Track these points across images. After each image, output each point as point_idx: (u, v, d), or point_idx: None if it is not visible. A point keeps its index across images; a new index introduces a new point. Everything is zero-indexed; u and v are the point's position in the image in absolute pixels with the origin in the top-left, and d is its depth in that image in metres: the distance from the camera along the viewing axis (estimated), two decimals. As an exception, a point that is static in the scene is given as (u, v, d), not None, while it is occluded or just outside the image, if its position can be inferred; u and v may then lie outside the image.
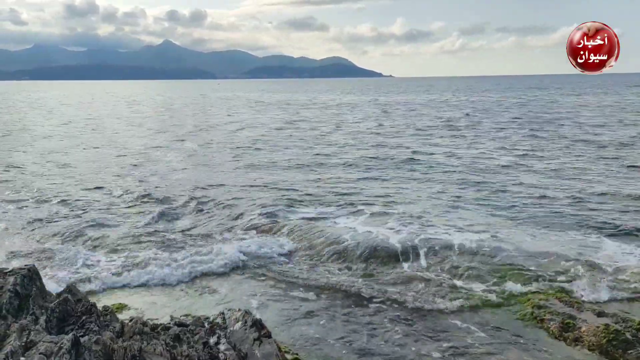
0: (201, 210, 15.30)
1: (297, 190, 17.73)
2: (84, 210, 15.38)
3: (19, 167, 22.87)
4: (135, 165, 23.63)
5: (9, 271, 4.96)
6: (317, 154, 25.98)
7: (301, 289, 9.61)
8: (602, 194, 16.37)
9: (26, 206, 15.94)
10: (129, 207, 15.84)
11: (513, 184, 18.12)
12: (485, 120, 43.74)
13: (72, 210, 15.30)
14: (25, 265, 5.07)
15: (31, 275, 4.95)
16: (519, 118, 44.29)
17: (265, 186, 18.42)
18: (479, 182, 18.62)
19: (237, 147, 28.80)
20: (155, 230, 13.30)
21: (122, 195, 17.35)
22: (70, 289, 5.11)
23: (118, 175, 20.91)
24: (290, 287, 9.70)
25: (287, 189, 17.86)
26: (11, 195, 17.43)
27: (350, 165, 22.81)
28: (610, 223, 13.17)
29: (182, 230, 13.37)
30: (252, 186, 18.54)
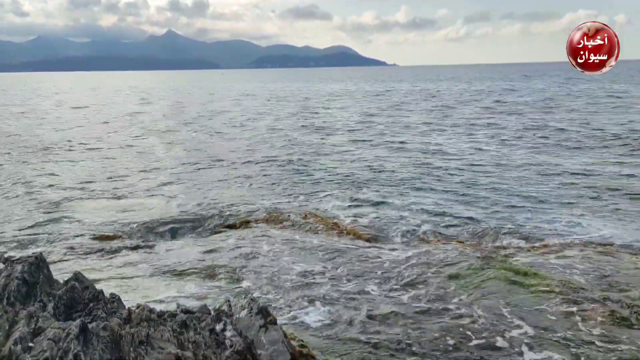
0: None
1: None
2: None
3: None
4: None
5: (17, 259, 4.99)
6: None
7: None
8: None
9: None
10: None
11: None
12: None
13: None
14: (32, 254, 5.11)
15: (38, 263, 4.98)
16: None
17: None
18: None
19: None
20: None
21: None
22: (77, 276, 5.13)
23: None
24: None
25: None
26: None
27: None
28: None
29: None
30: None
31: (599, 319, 7.43)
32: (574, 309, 7.81)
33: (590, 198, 14.64)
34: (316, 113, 44.50)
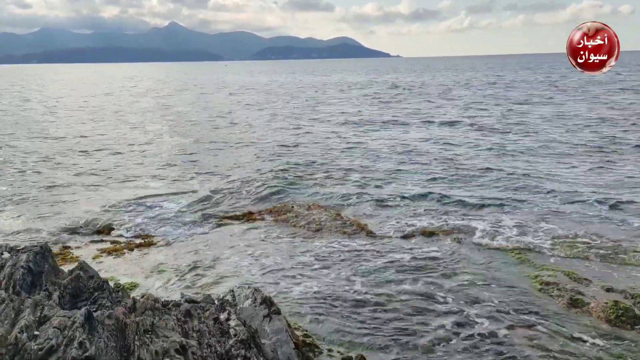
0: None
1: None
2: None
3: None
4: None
5: (22, 248, 5.03)
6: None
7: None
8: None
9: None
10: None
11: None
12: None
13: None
14: (37, 243, 5.14)
15: (43, 253, 5.02)
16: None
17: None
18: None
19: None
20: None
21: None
22: (82, 266, 5.17)
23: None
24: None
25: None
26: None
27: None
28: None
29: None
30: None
31: (603, 309, 7.44)
32: (578, 298, 7.83)
33: (595, 187, 14.61)
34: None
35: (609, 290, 8.10)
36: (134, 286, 8.69)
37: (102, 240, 11.35)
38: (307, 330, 7.20)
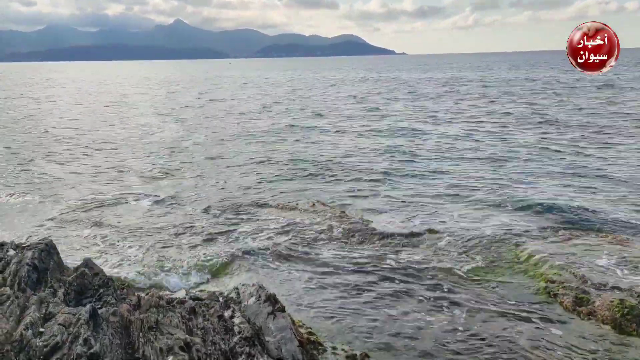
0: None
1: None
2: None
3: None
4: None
5: (27, 245, 5.04)
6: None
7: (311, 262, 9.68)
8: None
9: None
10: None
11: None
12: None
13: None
14: (42, 240, 5.15)
15: (49, 250, 5.03)
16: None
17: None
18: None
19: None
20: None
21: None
22: (87, 263, 5.19)
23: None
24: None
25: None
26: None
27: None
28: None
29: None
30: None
31: (608, 307, 7.41)
32: (583, 297, 7.80)
33: (601, 185, 14.55)
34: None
35: (614, 288, 8.06)
36: (138, 283, 8.71)
37: (105, 237, 11.38)
38: (311, 328, 7.19)
